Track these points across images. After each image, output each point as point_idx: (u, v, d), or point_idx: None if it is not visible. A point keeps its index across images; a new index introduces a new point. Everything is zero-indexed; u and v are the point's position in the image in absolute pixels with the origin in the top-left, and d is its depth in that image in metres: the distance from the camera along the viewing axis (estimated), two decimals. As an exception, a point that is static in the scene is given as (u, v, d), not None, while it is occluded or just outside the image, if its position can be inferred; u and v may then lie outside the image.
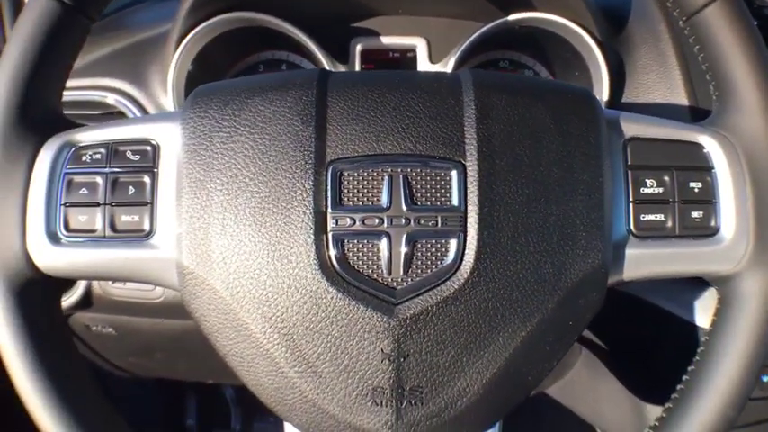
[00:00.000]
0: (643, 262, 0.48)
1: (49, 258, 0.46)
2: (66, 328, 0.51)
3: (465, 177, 0.44)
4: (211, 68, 0.78)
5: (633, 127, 0.49)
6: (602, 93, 0.74)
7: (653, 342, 0.81)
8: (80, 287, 0.79)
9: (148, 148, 0.47)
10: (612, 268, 0.47)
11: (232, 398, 1.32)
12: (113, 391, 1.13)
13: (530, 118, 0.46)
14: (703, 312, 0.69)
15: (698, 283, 0.69)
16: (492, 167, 0.44)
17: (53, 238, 0.46)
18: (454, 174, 0.44)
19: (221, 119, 0.46)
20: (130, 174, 0.47)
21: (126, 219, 0.47)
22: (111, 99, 0.76)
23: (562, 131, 0.46)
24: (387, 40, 0.80)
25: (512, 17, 0.74)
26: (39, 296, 0.47)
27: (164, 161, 0.47)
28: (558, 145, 0.46)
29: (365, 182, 0.44)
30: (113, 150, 0.47)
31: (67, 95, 0.77)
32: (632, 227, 0.47)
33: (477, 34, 0.74)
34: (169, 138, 0.47)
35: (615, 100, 0.75)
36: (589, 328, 0.89)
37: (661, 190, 0.48)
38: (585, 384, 0.99)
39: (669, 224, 0.47)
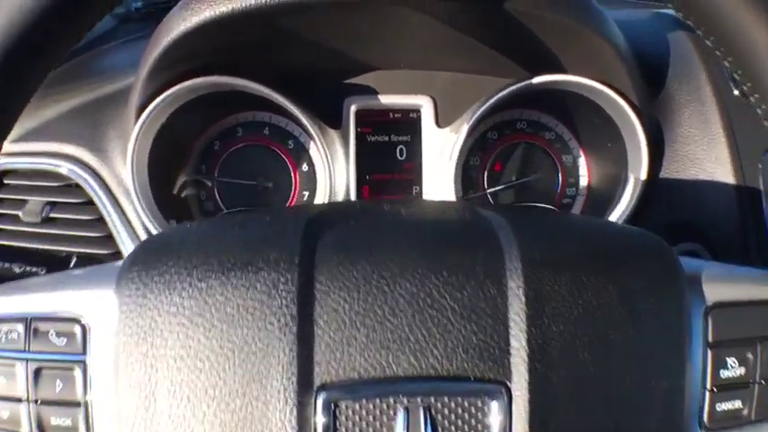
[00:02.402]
0: None
1: None
2: None
3: (510, 408, 0.33)
4: (180, 134, 0.67)
5: (717, 288, 0.40)
6: (641, 169, 0.63)
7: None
8: None
9: (76, 329, 0.37)
10: None
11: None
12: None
13: (597, 308, 0.35)
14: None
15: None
16: (546, 389, 0.33)
17: None
18: (494, 405, 0.33)
19: (167, 311, 0.34)
20: (56, 363, 0.37)
21: (56, 422, 0.36)
22: (64, 169, 0.66)
23: (636, 321, 0.36)
24: (386, 99, 0.69)
25: (537, 80, 0.62)
26: None
27: (96, 348, 0.37)
28: (633, 341, 0.36)
29: (370, 418, 0.33)
30: (32, 329, 0.37)
31: (18, 163, 0.67)
32: (706, 419, 0.38)
33: (496, 98, 0.62)
34: (101, 316, 0.37)
35: (653, 175, 0.64)
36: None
37: (743, 371, 0.38)
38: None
39: (746, 411, 0.38)
